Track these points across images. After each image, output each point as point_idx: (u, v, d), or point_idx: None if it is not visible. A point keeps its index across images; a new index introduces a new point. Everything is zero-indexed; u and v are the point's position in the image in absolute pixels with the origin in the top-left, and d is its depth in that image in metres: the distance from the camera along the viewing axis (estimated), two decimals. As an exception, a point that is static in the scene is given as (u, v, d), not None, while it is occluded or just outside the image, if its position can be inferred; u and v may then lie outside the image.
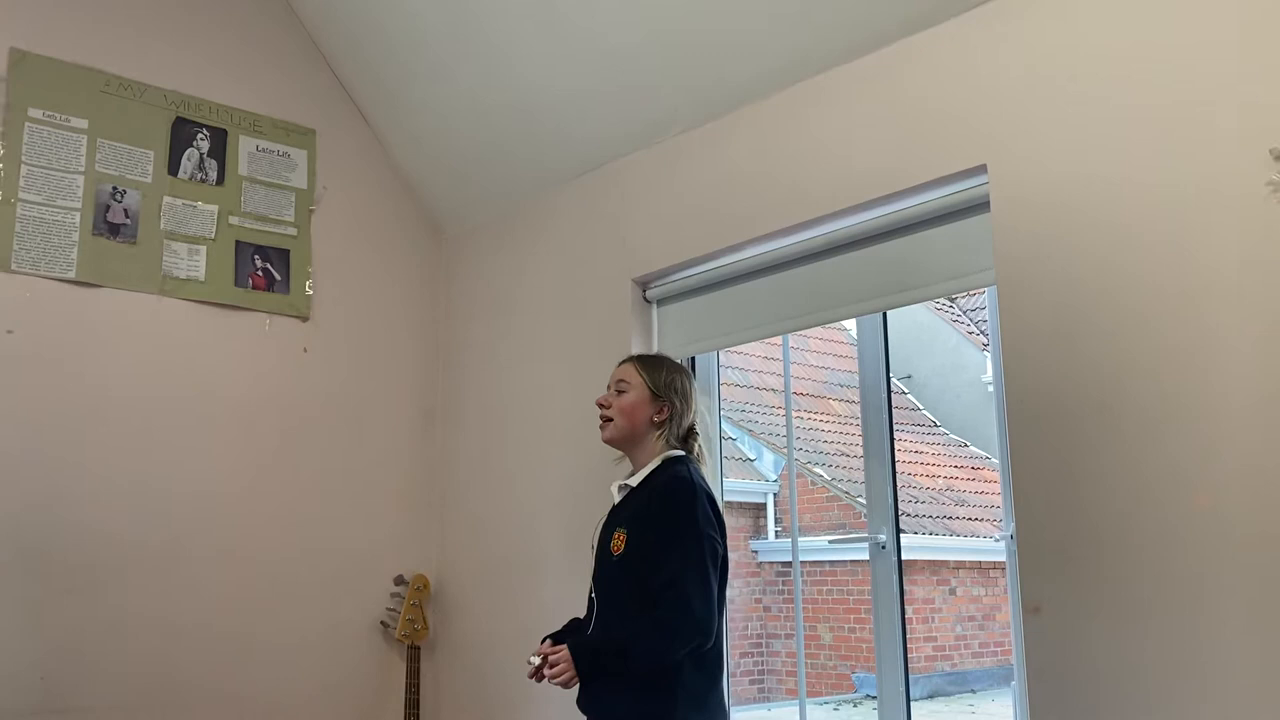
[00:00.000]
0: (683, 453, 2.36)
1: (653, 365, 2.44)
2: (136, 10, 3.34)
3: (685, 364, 2.86)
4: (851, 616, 9.88)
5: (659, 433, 2.36)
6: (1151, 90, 2.08)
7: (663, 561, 2.16)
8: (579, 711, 2.31)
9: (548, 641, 2.30)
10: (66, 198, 3.12)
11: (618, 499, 2.37)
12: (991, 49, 2.34)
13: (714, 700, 2.24)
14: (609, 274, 3.22)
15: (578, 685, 2.19)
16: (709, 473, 2.45)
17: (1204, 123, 2.01)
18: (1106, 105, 2.14)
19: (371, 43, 3.53)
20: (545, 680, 2.22)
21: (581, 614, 2.42)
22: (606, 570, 2.30)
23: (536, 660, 2.23)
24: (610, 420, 2.39)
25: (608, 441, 2.43)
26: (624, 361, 2.48)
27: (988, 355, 10.40)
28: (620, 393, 2.40)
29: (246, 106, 3.52)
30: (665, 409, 2.37)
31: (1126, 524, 2.03)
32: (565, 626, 2.43)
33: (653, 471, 2.33)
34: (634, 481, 2.34)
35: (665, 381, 2.39)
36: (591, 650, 2.19)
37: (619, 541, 2.25)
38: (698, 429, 2.43)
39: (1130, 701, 1.99)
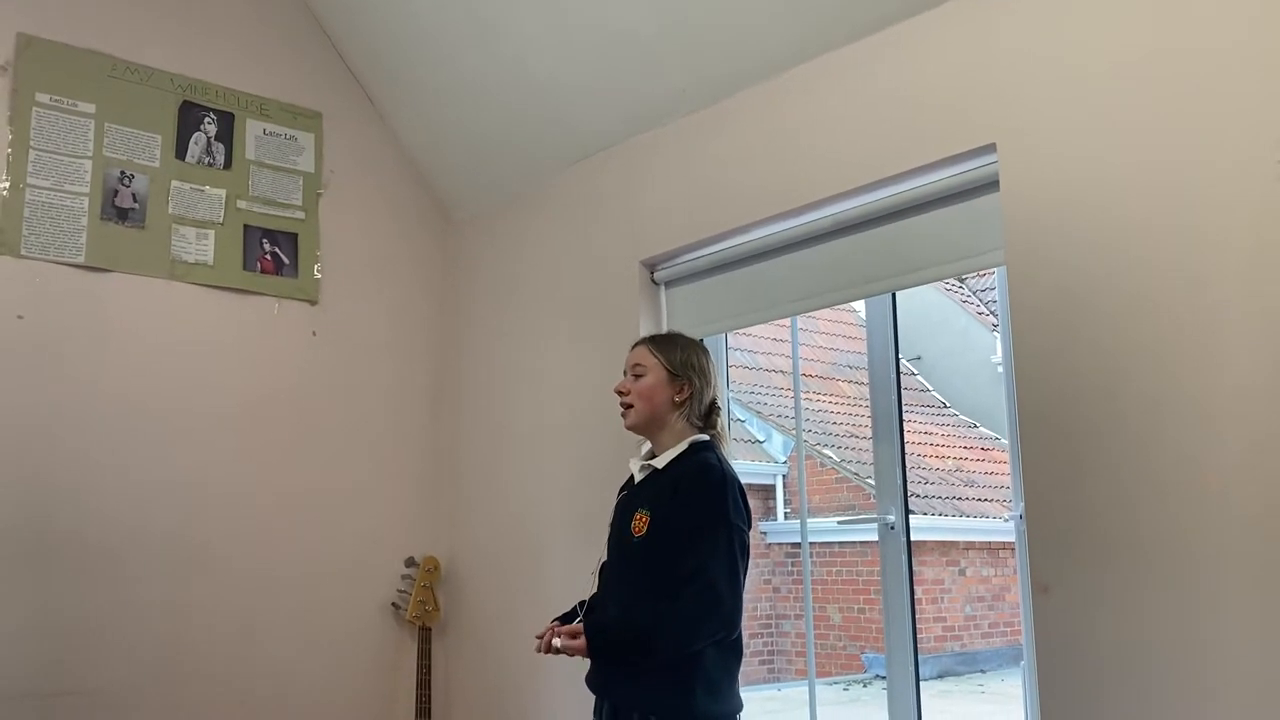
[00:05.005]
0: (708, 438, 2.30)
1: (667, 344, 2.37)
2: (142, -6, 3.34)
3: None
4: (861, 597, 9.90)
5: (681, 413, 2.30)
6: (1162, 72, 2.07)
7: (690, 549, 2.11)
8: (588, 691, 2.30)
9: (555, 624, 2.26)
10: (75, 183, 3.13)
11: (639, 477, 2.32)
12: (1000, 28, 2.32)
13: (731, 689, 2.20)
14: (617, 257, 3.21)
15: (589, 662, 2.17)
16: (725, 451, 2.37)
17: (1215, 105, 1.99)
18: (1116, 86, 2.13)
19: (378, 26, 3.52)
20: (555, 651, 2.17)
21: (587, 596, 2.40)
22: (625, 549, 2.25)
23: (557, 643, 2.17)
24: (631, 406, 2.32)
25: (631, 428, 2.36)
26: (637, 344, 2.41)
27: (997, 336, 10.37)
28: (637, 377, 2.33)
29: (253, 90, 3.52)
30: (685, 388, 2.30)
31: (1135, 504, 2.03)
32: (572, 610, 2.37)
33: (680, 455, 2.26)
34: (659, 463, 2.27)
35: (682, 360, 2.32)
36: (607, 633, 2.15)
37: (641, 523, 2.19)
38: (719, 404, 2.37)
39: (1138, 680, 2.00)
